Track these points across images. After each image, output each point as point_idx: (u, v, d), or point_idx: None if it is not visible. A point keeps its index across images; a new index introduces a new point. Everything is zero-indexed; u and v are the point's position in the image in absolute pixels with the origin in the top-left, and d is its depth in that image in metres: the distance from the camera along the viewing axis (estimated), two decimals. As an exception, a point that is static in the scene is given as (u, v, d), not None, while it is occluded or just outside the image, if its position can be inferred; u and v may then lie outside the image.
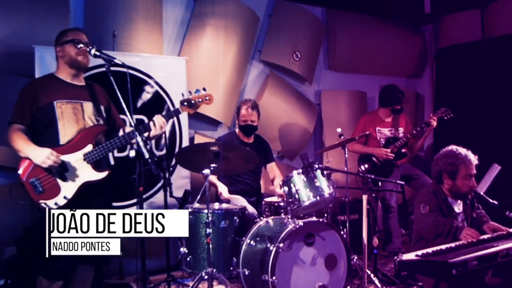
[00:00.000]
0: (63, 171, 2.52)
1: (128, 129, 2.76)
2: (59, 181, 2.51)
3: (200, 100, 2.80)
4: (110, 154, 3.70)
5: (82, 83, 2.74)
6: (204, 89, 2.82)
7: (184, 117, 4.10)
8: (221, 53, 4.47)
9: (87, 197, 2.56)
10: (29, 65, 3.43)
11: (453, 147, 2.83)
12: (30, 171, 2.47)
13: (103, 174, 2.62)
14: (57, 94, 2.61)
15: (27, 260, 3.02)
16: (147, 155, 2.35)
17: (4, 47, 3.50)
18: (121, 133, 2.75)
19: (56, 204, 2.48)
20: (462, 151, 2.79)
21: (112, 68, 2.52)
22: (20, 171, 2.48)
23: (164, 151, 3.93)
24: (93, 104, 2.71)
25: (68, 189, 2.52)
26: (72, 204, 2.48)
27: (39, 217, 2.52)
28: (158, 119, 2.69)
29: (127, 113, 2.44)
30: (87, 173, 2.58)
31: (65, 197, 2.50)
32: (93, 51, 2.58)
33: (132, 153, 2.46)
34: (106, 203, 2.82)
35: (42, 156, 2.45)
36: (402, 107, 4.44)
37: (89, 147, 2.61)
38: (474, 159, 2.77)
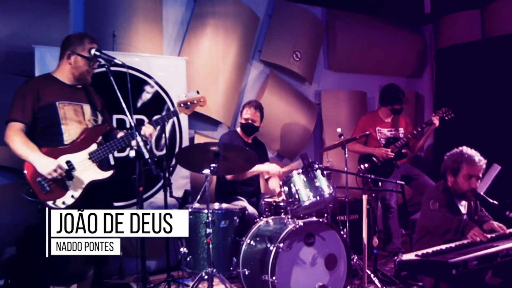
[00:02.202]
0: (70, 170, 2.54)
1: (121, 134, 2.75)
2: (66, 180, 2.52)
3: (195, 102, 2.93)
4: (110, 155, 3.70)
5: (79, 85, 2.74)
6: (197, 92, 2.93)
7: (184, 117, 4.10)
8: (221, 53, 4.46)
9: (93, 196, 2.58)
10: (29, 65, 3.43)
11: (463, 148, 2.87)
12: (36, 170, 2.46)
13: (109, 173, 2.65)
14: (59, 95, 2.61)
15: (27, 260, 3.02)
16: (147, 155, 2.35)
17: (4, 47, 3.49)
18: (120, 134, 2.75)
19: (64, 203, 2.50)
20: (470, 152, 2.82)
21: (112, 68, 2.52)
22: (25, 171, 2.48)
23: (164, 151, 3.93)
24: (91, 106, 2.73)
25: (76, 188, 2.54)
26: (80, 203, 2.50)
27: (39, 217, 2.51)
28: (147, 129, 2.73)
29: (127, 113, 2.44)
30: (93, 172, 2.60)
31: (72, 196, 2.52)
32: (93, 51, 2.58)
33: (132, 153, 2.46)
34: (111, 203, 2.84)
35: (49, 167, 2.44)
36: (402, 108, 4.43)
37: (93, 146, 2.63)
38: (480, 161, 2.78)
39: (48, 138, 2.57)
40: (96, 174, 2.61)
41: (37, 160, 2.46)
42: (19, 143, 2.49)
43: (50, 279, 2.54)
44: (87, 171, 2.58)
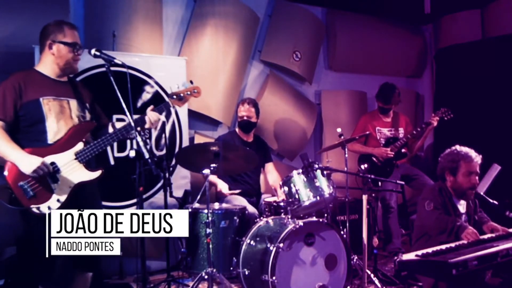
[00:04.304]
0: (55, 172, 2.40)
1: (118, 124, 2.63)
2: (51, 183, 2.39)
3: (188, 93, 2.76)
4: (110, 154, 3.70)
5: (65, 79, 2.62)
6: (191, 82, 2.79)
7: (184, 117, 4.10)
8: (221, 53, 4.47)
9: (81, 198, 2.45)
10: (29, 65, 3.40)
11: (456, 146, 2.87)
12: (18, 173, 2.32)
13: (96, 174, 2.50)
14: (43, 90, 2.46)
15: (27, 260, 3.01)
16: (147, 155, 2.32)
17: (4, 47, 3.50)
18: (110, 129, 2.63)
19: (49, 208, 2.36)
20: (464, 149, 2.83)
21: (112, 68, 2.50)
22: (6, 173, 2.33)
23: (164, 151, 3.93)
24: (78, 101, 2.59)
25: (61, 191, 2.40)
26: (66, 206, 2.37)
27: (24, 221, 2.42)
28: (153, 115, 2.61)
29: (127, 113, 2.41)
30: (79, 174, 2.46)
31: (58, 200, 2.39)
32: (93, 51, 2.52)
33: (132, 153, 2.45)
34: (99, 204, 2.75)
35: (32, 165, 2.30)
36: (387, 108, 4.44)
37: (80, 145, 2.48)
38: (476, 157, 2.79)
39: (31, 137, 2.42)
40: (83, 175, 2.47)
41: (20, 158, 2.31)
42: None
43: (40, 280, 2.49)
44: (74, 172, 2.44)
